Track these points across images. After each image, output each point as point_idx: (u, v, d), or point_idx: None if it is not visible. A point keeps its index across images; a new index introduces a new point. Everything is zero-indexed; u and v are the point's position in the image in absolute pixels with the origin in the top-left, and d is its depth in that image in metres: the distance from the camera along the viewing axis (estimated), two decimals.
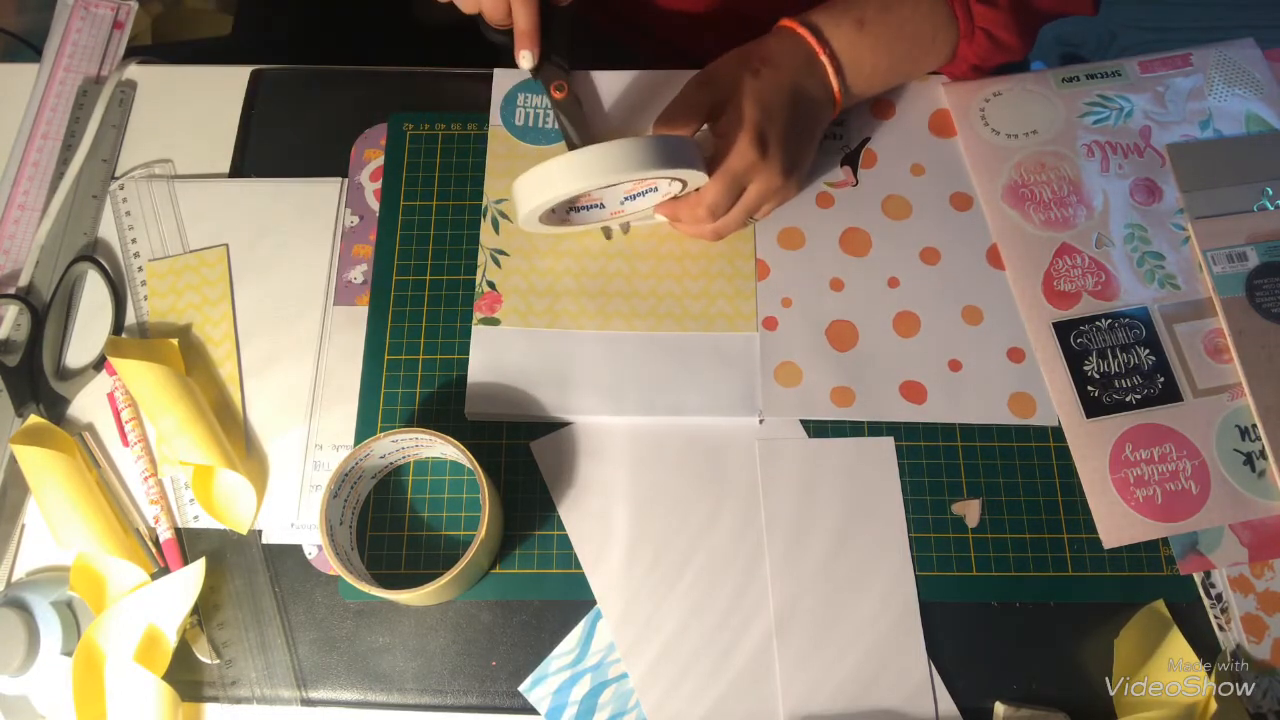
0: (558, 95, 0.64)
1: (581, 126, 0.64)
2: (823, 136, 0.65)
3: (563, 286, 0.64)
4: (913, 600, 0.57)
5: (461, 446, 0.54)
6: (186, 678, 0.56)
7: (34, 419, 0.60)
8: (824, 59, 0.61)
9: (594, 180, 0.54)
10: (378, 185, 0.68)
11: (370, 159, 0.69)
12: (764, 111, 0.59)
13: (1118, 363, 0.61)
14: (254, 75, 0.72)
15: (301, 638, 0.57)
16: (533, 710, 0.55)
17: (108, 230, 0.67)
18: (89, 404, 0.62)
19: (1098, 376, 0.60)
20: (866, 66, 0.63)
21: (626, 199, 0.62)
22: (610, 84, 0.69)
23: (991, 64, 0.67)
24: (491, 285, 0.64)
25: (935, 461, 0.60)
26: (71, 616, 0.56)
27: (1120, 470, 0.58)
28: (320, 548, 0.59)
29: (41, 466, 0.57)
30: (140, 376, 0.59)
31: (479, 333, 0.62)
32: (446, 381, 0.62)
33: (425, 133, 0.69)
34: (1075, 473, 0.59)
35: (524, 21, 0.61)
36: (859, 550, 0.58)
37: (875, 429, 0.60)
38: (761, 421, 0.60)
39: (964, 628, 0.56)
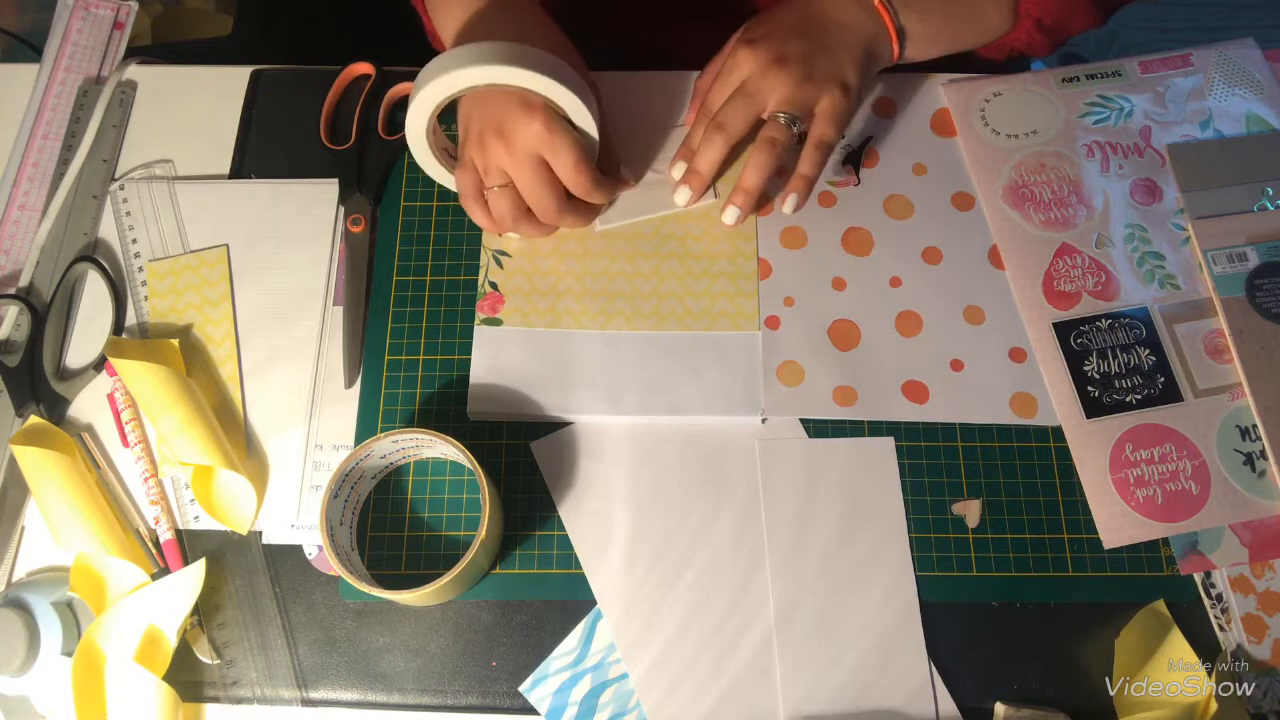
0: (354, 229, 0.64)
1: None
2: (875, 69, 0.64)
3: (565, 287, 0.64)
4: (913, 600, 0.57)
5: (462, 447, 0.54)
6: (187, 678, 0.56)
7: (34, 419, 0.60)
8: None
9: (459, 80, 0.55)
10: None
11: None
12: (760, 21, 0.61)
13: (1118, 363, 0.61)
14: (254, 75, 0.72)
15: (302, 638, 0.57)
16: (533, 710, 0.55)
17: (108, 230, 0.67)
18: (89, 404, 0.62)
19: (1098, 377, 0.60)
20: None
21: None
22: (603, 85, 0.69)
23: (1058, 20, 0.66)
24: (494, 286, 0.64)
25: (935, 461, 0.60)
26: (72, 617, 0.56)
27: (1120, 470, 0.58)
28: (320, 548, 0.59)
29: (41, 467, 0.57)
30: (140, 377, 0.59)
31: (481, 333, 0.62)
32: (447, 381, 0.62)
33: None
34: (1075, 473, 0.59)
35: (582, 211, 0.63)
36: (859, 550, 0.58)
37: (876, 428, 0.60)
38: (764, 421, 0.60)
39: (964, 628, 0.56)
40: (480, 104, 0.58)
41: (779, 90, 0.59)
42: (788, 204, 0.63)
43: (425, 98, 0.57)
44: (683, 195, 0.63)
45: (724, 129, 0.60)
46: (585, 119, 0.58)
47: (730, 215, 0.63)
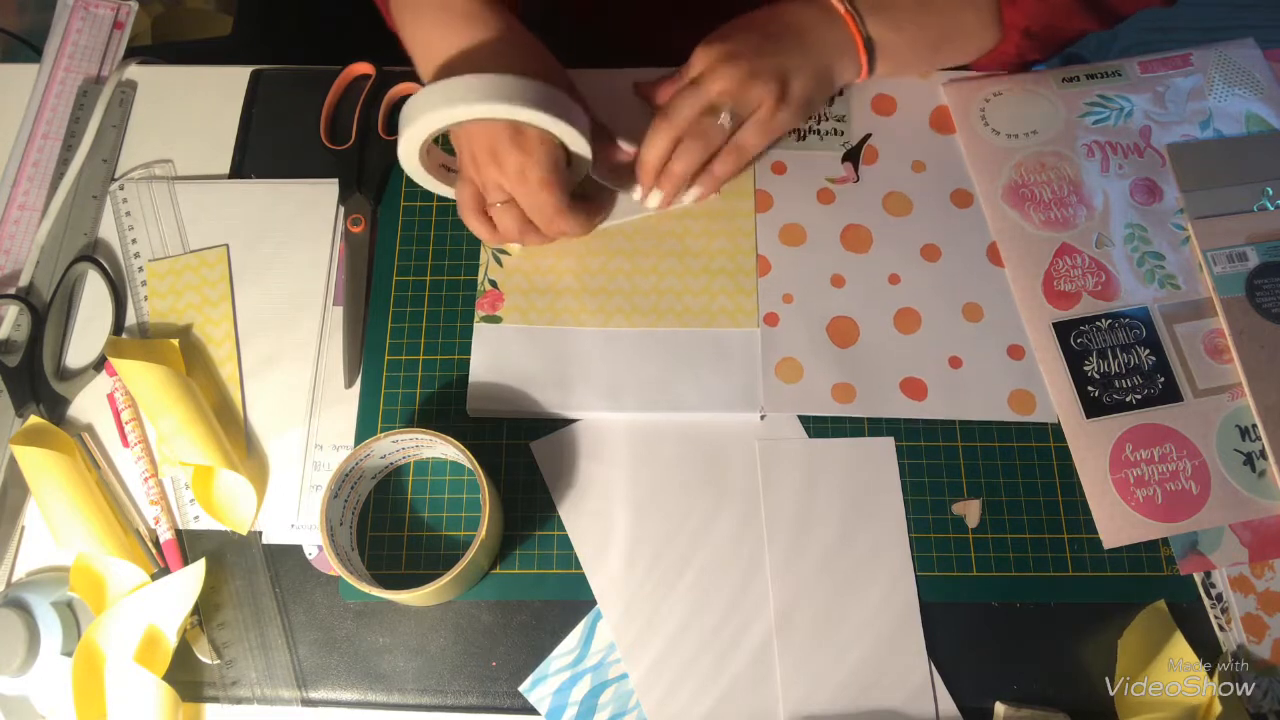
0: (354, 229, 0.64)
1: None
2: (832, 77, 0.63)
3: (564, 284, 0.64)
4: (913, 600, 0.57)
5: (462, 447, 0.54)
6: (187, 678, 0.56)
7: (34, 419, 0.60)
8: None
9: (454, 111, 0.54)
10: None
11: None
12: (728, 24, 0.61)
13: (1118, 363, 0.61)
14: (254, 75, 0.72)
15: (302, 638, 0.57)
16: (533, 710, 0.55)
17: (108, 230, 0.67)
18: (89, 404, 0.62)
19: (1098, 377, 0.60)
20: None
21: None
22: (589, 84, 0.69)
23: (1047, 25, 0.65)
24: (493, 284, 0.64)
25: (935, 461, 0.60)
26: (71, 617, 0.56)
27: (1120, 470, 0.58)
28: (320, 548, 0.59)
29: (41, 467, 0.57)
30: (140, 377, 0.59)
31: (481, 330, 0.62)
32: (447, 381, 0.62)
33: None
34: (1075, 473, 0.59)
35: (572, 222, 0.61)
36: (859, 550, 0.58)
37: (875, 426, 0.60)
38: (763, 417, 0.60)
39: (964, 628, 0.56)
40: (471, 125, 0.58)
41: (720, 83, 0.59)
42: (688, 195, 0.63)
43: (413, 134, 0.57)
44: (638, 191, 0.63)
45: (670, 120, 0.60)
46: (579, 144, 0.58)
47: (653, 200, 0.63)
